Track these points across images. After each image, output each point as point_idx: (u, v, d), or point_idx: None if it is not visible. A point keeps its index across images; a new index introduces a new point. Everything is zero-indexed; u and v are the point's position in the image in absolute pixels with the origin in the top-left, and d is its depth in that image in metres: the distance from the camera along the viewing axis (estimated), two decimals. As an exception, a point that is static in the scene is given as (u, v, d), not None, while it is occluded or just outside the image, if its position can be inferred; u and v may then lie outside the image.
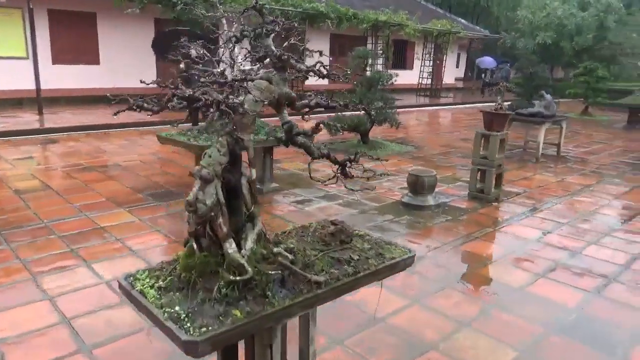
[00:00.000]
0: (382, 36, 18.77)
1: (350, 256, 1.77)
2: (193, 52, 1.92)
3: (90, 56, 14.47)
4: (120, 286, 1.61)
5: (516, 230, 4.98)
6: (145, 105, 1.42)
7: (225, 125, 1.39)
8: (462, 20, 26.75)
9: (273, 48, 1.57)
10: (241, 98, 1.37)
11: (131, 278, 1.62)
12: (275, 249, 1.58)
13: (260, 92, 1.40)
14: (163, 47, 9.31)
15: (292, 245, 1.70)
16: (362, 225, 4.79)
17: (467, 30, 24.05)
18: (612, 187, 6.95)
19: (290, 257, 1.59)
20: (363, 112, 9.18)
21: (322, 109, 1.70)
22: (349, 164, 1.64)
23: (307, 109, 1.64)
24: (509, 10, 34.25)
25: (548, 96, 8.73)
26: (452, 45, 23.26)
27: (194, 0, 13.64)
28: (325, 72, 1.67)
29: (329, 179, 1.68)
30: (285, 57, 1.54)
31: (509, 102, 15.87)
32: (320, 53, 1.68)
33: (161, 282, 1.53)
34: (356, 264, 1.74)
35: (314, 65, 1.63)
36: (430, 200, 5.48)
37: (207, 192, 1.37)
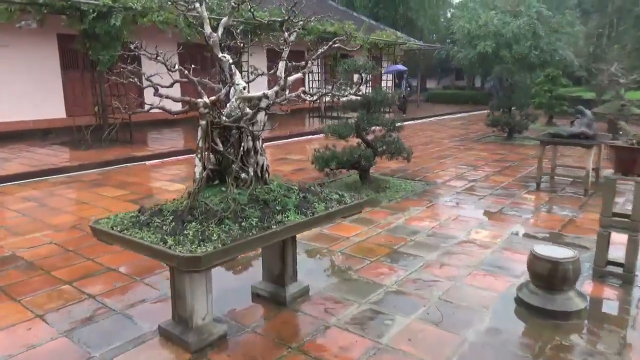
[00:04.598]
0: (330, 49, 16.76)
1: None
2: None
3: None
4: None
5: None
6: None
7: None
8: (398, 32, 25.49)
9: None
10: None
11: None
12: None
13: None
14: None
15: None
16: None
17: (411, 42, 22.86)
18: None
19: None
20: (359, 142, 7.02)
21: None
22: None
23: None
24: (432, 23, 34.25)
25: (588, 112, 7.06)
26: (396, 57, 21.88)
27: (110, 8, 10.82)
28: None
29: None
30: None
31: (487, 112, 14.34)
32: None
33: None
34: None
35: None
36: (577, 300, 3.33)
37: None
